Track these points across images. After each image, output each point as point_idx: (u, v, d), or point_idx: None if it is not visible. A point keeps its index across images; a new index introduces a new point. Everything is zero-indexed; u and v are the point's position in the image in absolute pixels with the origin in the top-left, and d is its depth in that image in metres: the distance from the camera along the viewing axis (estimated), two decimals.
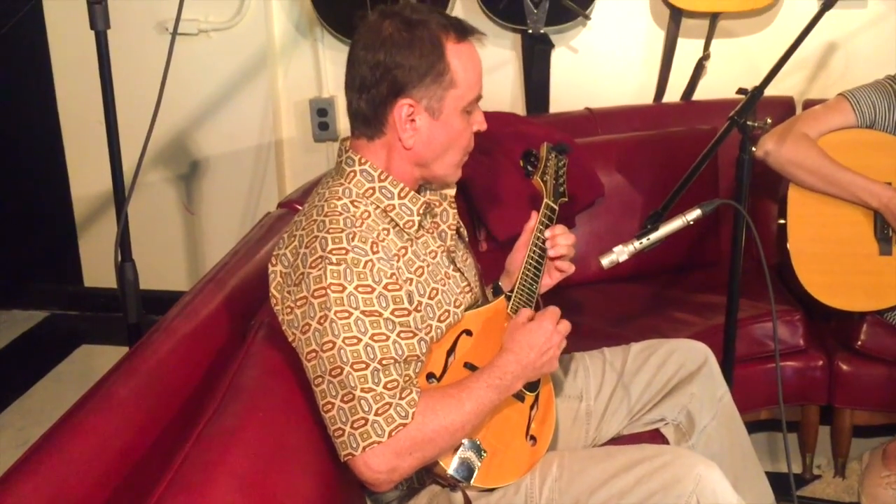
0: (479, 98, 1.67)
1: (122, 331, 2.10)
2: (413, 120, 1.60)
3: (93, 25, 1.99)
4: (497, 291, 1.88)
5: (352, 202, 1.61)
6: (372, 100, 1.60)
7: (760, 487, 1.99)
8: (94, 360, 3.50)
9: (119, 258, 2.06)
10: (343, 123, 3.40)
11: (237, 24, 3.31)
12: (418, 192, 1.69)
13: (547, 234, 1.84)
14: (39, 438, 1.34)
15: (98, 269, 3.74)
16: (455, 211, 1.77)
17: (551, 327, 1.68)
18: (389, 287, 1.55)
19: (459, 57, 1.60)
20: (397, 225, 1.63)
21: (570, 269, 1.87)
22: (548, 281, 1.87)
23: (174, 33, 2.07)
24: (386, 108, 1.59)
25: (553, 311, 1.71)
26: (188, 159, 3.49)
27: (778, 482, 2.10)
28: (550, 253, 1.84)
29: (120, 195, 2.07)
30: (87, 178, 3.59)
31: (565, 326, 1.71)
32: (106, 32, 2.01)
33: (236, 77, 3.36)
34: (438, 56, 1.58)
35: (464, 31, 1.62)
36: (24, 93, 3.65)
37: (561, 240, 1.84)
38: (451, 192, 1.77)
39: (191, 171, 3.50)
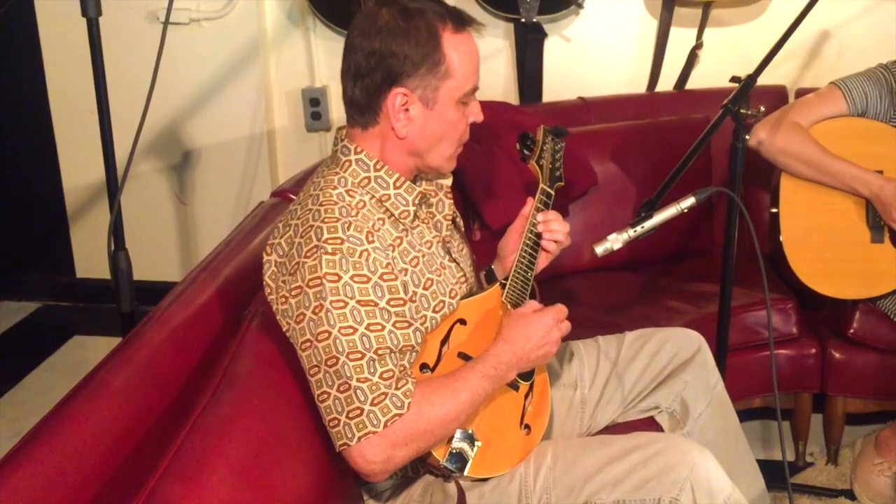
0: (475, 89, 1.66)
1: (114, 322, 2.10)
2: (407, 109, 1.59)
3: (84, 12, 1.98)
4: (490, 277, 1.88)
5: (347, 191, 1.60)
6: (366, 88, 1.59)
7: (752, 475, 1.99)
8: (86, 351, 3.49)
9: (112, 247, 2.06)
10: (336, 113, 3.39)
11: (229, 13, 3.29)
12: (414, 182, 1.68)
13: (539, 217, 1.84)
14: (33, 428, 1.34)
15: (90, 260, 3.73)
16: (451, 201, 1.77)
17: (552, 322, 1.67)
18: (385, 277, 1.54)
19: (456, 48, 1.59)
20: (392, 215, 1.63)
21: (555, 250, 1.86)
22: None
23: (166, 22, 2.06)
24: (380, 97, 1.59)
25: (560, 308, 1.71)
26: (180, 149, 3.48)
27: (770, 470, 2.10)
28: (546, 236, 1.83)
29: (112, 184, 2.07)
30: (78, 168, 3.58)
31: (567, 326, 1.71)
32: (98, 20, 2.00)
33: (228, 67, 3.35)
34: (434, 46, 1.57)
35: (462, 22, 1.61)
36: (14, 81, 3.63)
37: (554, 225, 1.83)
38: (447, 182, 1.77)
39: (183, 160, 3.49)
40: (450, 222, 1.78)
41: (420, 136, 1.63)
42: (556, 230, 1.83)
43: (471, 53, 1.62)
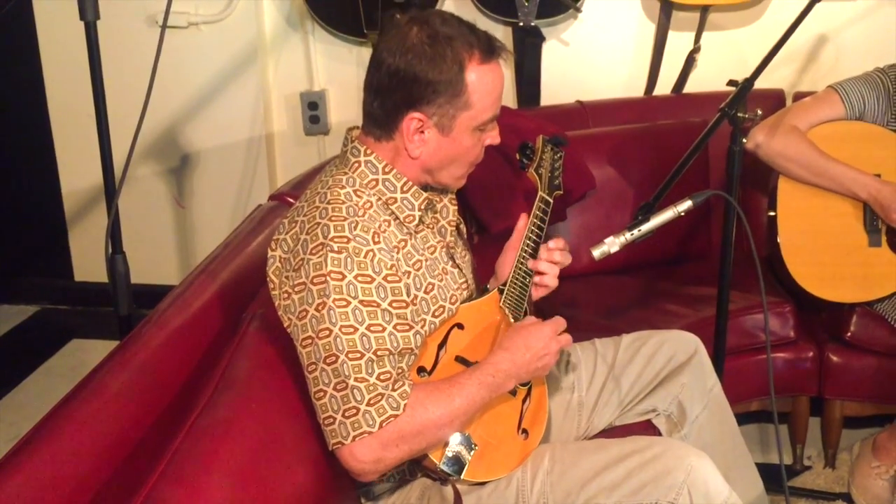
0: (494, 118, 1.65)
1: (112, 325, 2.09)
2: (422, 132, 1.60)
3: (82, 16, 1.98)
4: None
5: (355, 191, 1.61)
6: (384, 105, 1.59)
7: (750, 478, 2.00)
8: (84, 355, 3.49)
9: (110, 250, 2.06)
10: (334, 116, 3.40)
11: (227, 16, 3.29)
12: (422, 188, 1.68)
13: (544, 253, 1.82)
14: (31, 430, 1.34)
15: (88, 264, 3.73)
16: (455, 207, 1.78)
17: (551, 334, 1.67)
18: (389, 278, 1.55)
19: (480, 79, 1.58)
20: (398, 218, 1.63)
21: (553, 283, 1.84)
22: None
23: (164, 26, 2.06)
24: (397, 117, 1.59)
25: (558, 320, 1.71)
26: (178, 153, 3.48)
27: (768, 473, 2.11)
28: (536, 273, 1.81)
29: (111, 187, 2.07)
30: (76, 172, 3.58)
31: (566, 339, 1.70)
32: (96, 23, 2.01)
33: (227, 70, 3.35)
34: (458, 76, 1.56)
35: (490, 52, 1.60)
36: (13, 85, 3.63)
37: (544, 264, 1.82)
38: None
39: (181, 164, 3.49)
40: (454, 228, 1.78)
41: (432, 158, 1.63)
42: (547, 283, 1.82)
43: (494, 85, 1.61)
